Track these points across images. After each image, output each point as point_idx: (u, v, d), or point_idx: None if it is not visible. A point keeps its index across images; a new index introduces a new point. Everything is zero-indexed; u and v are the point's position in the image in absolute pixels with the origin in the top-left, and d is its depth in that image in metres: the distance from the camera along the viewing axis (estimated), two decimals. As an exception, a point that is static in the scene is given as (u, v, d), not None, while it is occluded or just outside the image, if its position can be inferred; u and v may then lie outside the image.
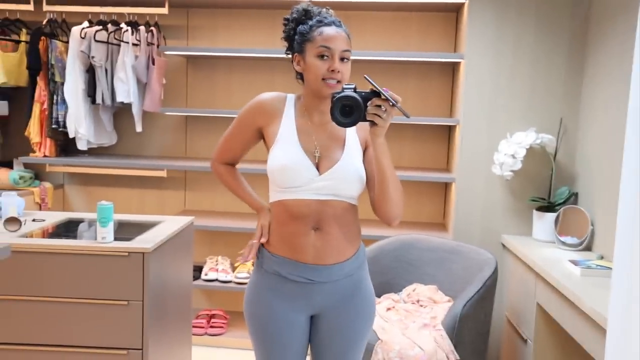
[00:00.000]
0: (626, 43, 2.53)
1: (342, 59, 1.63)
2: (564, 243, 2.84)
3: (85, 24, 3.41)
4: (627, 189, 1.47)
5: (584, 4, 3.00)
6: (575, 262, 2.46)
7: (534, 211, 3.03)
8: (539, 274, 2.54)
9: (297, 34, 1.67)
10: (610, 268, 2.32)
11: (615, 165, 2.51)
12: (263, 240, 1.71)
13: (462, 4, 3.16)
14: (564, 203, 2.96)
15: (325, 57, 1.62)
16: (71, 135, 3.46)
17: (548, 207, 2.99)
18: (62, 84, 3.41)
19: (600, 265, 2.40)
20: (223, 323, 3.45)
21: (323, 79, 1.62)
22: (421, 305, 2.75)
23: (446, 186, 3.51)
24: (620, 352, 1.49)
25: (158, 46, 3.47)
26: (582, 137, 3.01)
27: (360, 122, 1.54)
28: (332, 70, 1.61)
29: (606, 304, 1.99)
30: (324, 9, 1.71)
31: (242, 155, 1.83)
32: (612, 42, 2.72)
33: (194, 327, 3.30)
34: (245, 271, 3.38)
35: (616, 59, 2.65)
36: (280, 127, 1.68)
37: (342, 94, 1.53)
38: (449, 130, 3.51)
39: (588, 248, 2.81)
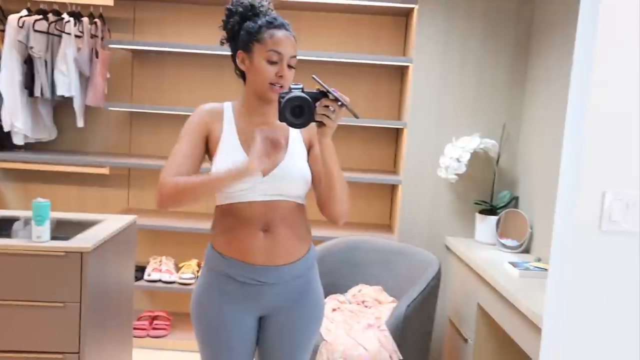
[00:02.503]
0: (565, 52, 2.63)
1: (288, 65, 1.62)
2: (504, 245, 2.93)
3: (24, 12, 3.26)
4: (563, 193, 1.53)
5: (527, 14, 3.11)
6: (514, 264, 2.53)
7: (477, 214, 3.11)
8: (480, 275, 2.61)
9: (243, 30, 1.65)
10: (547, 270, 2.41)
11: (553, 171, 2.59)
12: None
13: (412, 9, 3.20)
14: (505, 206, 3.05)
15: (275, 62, 1.60)
16: (6, 129, 3.30)
17: (490, 211, 3.08)
18: (-2, 74, 3.26)
19: (538, 267, 2.49)
20: (166, 325, 3.37)
21: (270, 83, 1.60)
22: (366, 306, 2.77)
23: (393, 188, 3.56)
24: (554, 351, 1.54)
25: (102, 39, 3.35)
26: (523, 143, 3.11)
27: None
28: (280, 76, 1.60)
29: (542, 305, 2.06)
30: (267, 3, 1.67)
31: (195, 172, 1.63)
32: (552, 51, 2.82)
33: (135, 329, 3.21)
34: (189, 272, 3.32)
35: (556, 67, 2.75)
36: (222, 132, 1.65)
37: (292, 94, 1.49)
38: (397, 133, 3.56)
39: (527, 250, 2.91)
